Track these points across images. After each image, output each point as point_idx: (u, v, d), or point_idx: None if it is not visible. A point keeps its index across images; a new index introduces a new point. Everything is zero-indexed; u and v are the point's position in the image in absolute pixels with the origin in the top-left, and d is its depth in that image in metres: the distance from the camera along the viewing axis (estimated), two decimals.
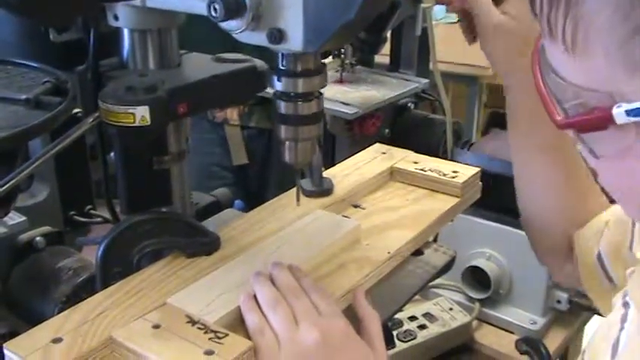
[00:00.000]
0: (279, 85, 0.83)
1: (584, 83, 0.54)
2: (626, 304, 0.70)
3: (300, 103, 0.83)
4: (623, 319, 0.69)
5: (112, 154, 0.92)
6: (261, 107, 2.05)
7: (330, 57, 1.72)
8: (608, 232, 0.97)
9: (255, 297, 0.78)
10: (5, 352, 0.69)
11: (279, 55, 0.81)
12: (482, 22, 0.98)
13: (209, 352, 0.69)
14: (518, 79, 0.98)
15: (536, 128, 0.98)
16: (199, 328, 0.73)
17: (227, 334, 0.72)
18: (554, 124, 0.57)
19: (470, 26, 1.02)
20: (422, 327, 1.44)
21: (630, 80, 0.51)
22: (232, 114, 2.08)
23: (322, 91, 0.85)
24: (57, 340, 0.70)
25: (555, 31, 0.54)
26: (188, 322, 0.74)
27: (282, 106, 0.84)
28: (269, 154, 2.13)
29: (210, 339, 0.71)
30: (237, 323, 0.76)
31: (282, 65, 0.82)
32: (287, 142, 0.87)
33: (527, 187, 1.06)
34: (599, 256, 0.96)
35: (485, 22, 0.98)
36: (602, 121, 0.53)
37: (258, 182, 2.17)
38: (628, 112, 0.51)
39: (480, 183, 1.14)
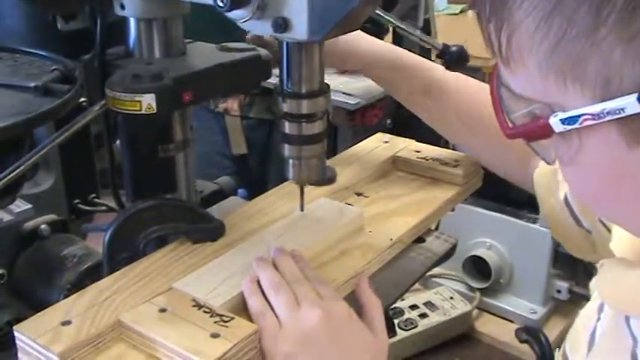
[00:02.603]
0: (283, 106, 0.83)
1: (526, 94, 0.55)
2: None
3: (304, 123, 0.84)
4: (600, 309, 0.70)
5: (118, 142, 0.93)
6: (261, 98, 2.06)
7: None
8: None
9: (257, 281, 0.79)
10: (15, 334, 0.70)
11: (284, 76, 0.82)
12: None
13: (215, 335, 0.70)
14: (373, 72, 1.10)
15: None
16: (205, 312, 0.74)
17: (232, 318, 0.73)
18: (504, 134, 0.58)
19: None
20: (423, 315, 1.46)
21: (563, 89, 0.52)
22: (233, 105, 2.09)
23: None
24: (66, 323, 0.71)
25: (493, 45, 0.55)
26: (194, 306, 0.75)
27: (286, 126, 0.85)
28: (269, 145, 2.14)
29: (215, 322, 0.72)
30: (242, 307, 0.77)
31: (288, 88, 0.83)
32: (291, 160, 0.88)
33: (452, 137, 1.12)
34: (565, 199, 0.95)
35: None
36: (543, 130, 0.54)
37: (258, 172, 2.18)
38: (563, 121, 0.52)
39: (482, 172, 1.15)
